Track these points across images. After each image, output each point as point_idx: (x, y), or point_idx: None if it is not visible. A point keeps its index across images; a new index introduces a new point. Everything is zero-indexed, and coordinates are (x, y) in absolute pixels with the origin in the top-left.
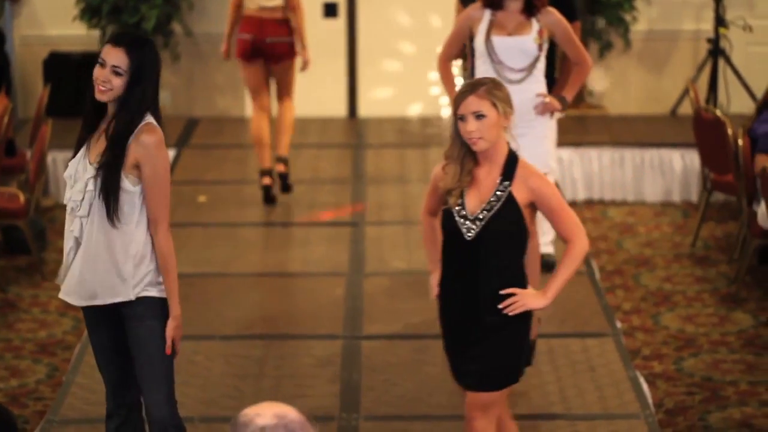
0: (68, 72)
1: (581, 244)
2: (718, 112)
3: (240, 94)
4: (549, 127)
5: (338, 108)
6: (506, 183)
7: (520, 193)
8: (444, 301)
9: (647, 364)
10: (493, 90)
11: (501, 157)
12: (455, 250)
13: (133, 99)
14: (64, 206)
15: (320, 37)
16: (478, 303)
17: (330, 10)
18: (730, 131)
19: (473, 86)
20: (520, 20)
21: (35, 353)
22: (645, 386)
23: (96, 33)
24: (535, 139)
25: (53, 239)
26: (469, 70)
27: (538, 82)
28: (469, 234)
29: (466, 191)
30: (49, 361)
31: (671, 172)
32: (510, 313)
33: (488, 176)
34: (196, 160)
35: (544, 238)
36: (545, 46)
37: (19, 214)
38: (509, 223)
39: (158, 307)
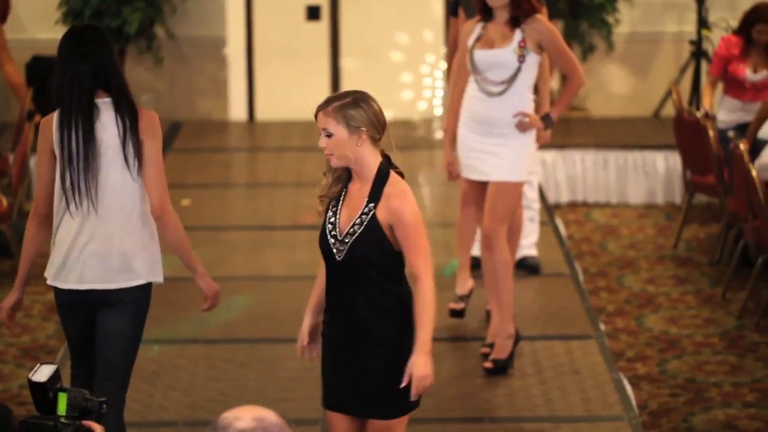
0: (51, 76)
1: (427, 285)
2: (699, 114)
3: (223, 97)
4: (529, 134)
5: None
6: (371, 204)
7: (383, 214)
8: (329, 328)
9: (631, 366)
10: (347, 108)
11: (370, 175)
12: (330, 272)
13: (114, 81)
14: None
15: (303, 40)
16: (359, 328)
17: (313, 13)
18: (711, 133)
19: (327, 102)
20: (505, 32)
21: (18, 358)
22: (629, 388)
23: None
24: (514, 150)
25: None
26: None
27: (520, 96)
28: (339, 255)
29: (340, 209)
30: (32, 366)
31: (654, 174)
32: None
33: (359, 194)
34: (179, 164)
35: (527, 240)
36: (530, 57)
37: (1, 219)
38: (373, 247)
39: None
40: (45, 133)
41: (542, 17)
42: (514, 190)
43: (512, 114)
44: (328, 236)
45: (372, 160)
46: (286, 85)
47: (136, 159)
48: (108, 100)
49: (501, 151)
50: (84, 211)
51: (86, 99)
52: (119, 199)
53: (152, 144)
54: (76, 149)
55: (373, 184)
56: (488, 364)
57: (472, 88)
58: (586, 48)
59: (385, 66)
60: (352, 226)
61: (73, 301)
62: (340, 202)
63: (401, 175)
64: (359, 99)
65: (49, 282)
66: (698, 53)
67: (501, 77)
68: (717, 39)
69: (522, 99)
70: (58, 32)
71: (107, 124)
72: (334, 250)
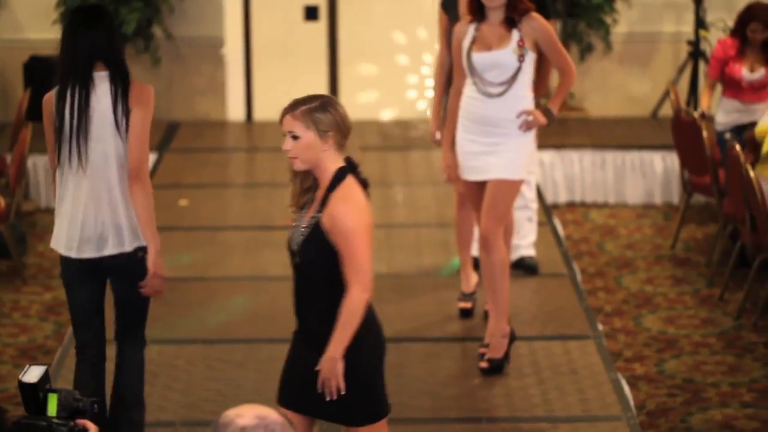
0: (48, 76)
1: (355, 295)
2: (696, 114)
3: (221, 97)
4: (528, 132)
5: None
6: (319, 209)
7: (325, 219)
8: (296, 332)
9: (629, 366)
10: (315, 111)
11: (328, 179)
12: (294, 275)
13: (111, 54)
14: (45, 210)
15: (301, 40)
16: (314, 333)
17: (311, 13)
18: (705, 134)
19: (293, 105)
20: (501, 33)
21: (16, 358)
22: (627, 388)
23: None
24: (513, 148)
25: (33, 243)
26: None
27: (520, 95)
28: (295, 258)
29: (306, 213)
30: None
31: (652, 174)
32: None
33: (318, 198)
34: (176, 164)
35: (525, 241)
36: (528, 56)
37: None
38: (316, 252)
39: None
40: (48, 106)
41: (537, 15)
42: (514, 188)
43: (513, 113)
44: (292, 239)
45: (331, 165)
46: (283, 85)
47: (126, 128)
48: (105, 73)
49: (500, 149)
50: (85, 180)
51: (83, 69)
52: (119, 168)
53: (138, 112)
54: (70, 118)
55: (326, 189)
56: (484, 364)
57: (469, 90)
58: (584, 48)
59: (383, 66)
60: (303, 230)
61: (85, 269)
62: (308, 206)
63: (364, 181)
64: (326, 103)
65: (62, 252)
66: (696, 53)
67: (501, 78)
68: (715, 39)
69: (522, 98)
70: (56, 32)
71: (101, 96)
72: (294, 253)
